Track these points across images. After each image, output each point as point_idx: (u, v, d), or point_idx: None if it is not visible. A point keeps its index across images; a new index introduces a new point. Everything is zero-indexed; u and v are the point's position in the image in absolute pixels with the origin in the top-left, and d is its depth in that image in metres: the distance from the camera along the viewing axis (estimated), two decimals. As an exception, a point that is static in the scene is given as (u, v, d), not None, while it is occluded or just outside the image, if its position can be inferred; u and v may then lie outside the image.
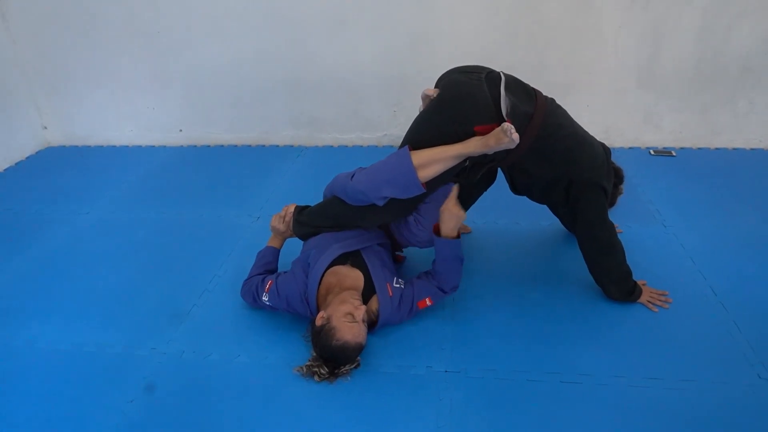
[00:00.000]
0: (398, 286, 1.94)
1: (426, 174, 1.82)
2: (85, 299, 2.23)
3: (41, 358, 1.94)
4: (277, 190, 3.05)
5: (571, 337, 1.90)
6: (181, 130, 3.72)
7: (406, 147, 1.85)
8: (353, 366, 1.77)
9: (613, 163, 2.10)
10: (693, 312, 1.99)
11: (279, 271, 2.11)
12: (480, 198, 2.38)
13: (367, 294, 1.91)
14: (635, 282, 2.02)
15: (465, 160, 1.86)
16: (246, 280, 2.10)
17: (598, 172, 1.96)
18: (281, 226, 2.15)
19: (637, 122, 3.28)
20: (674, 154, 3.23)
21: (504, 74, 1.89)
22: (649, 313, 1.99)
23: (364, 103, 3.47)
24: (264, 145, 3.68)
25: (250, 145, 3.69)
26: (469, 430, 1.59)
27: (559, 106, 2.01)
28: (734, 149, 3.26)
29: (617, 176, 2.19)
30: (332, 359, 1.75)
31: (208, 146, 3.72)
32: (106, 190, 3.16)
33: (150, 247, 2.57)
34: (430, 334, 1.96)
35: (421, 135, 1.89)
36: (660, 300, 2.03)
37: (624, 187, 2.31)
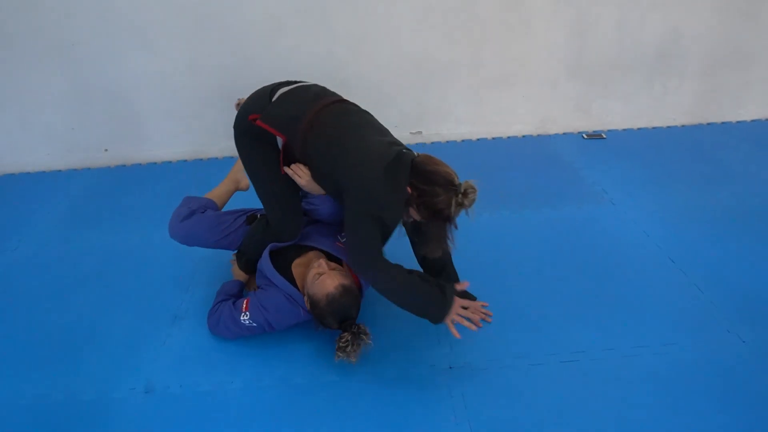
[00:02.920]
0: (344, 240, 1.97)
1: (215, 197, 2.26)
2: (38, 344, 1.99)
3: (4, 415, 1.71)
4: (229, 204, 2.89)
5: (559, 319, 1.98)
6: (106, 150, 3.43)
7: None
8: (362, 330, 1.71)
9: (435, 165, 1.68)
10: (658, 281, 2.15)
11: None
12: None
13: (337, 265, 1.89)
14: (438, 298, 1.70)
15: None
16: (211, 309, 1.99)
17: (370, 201, 1.64)
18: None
19: (569, 110, 3.49)
20: (604, 136, 3.47)
21: (295, 86, 1.86)
22: (624, 287, 2.12)
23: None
24: (202, 159, 3.49)
25: (186, 160, 3.48)
26: (487, 420, 1.61)
27: (343, 114, 1.79)
28: (654, 128, 3.56)
29: (432, 179, 1.63)
30: (340, 318, 1.72)
31: (140, 164, 3.46)
32: (31, 222, 2.84)
33: (101, 277, 2.34)
34: (424, 332, 1.95)
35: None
36: (469, 319, 1.76)
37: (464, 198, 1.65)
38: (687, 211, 2.60)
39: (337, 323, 1.75)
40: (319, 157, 1.74)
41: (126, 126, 3.36)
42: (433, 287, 1.71)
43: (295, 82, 1.91)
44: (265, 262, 1.89)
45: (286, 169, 1.85)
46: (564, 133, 3.54)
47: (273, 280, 1.85)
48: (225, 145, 3.46)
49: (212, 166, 3.39)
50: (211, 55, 3.17)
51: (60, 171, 3.44)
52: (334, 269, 1.77)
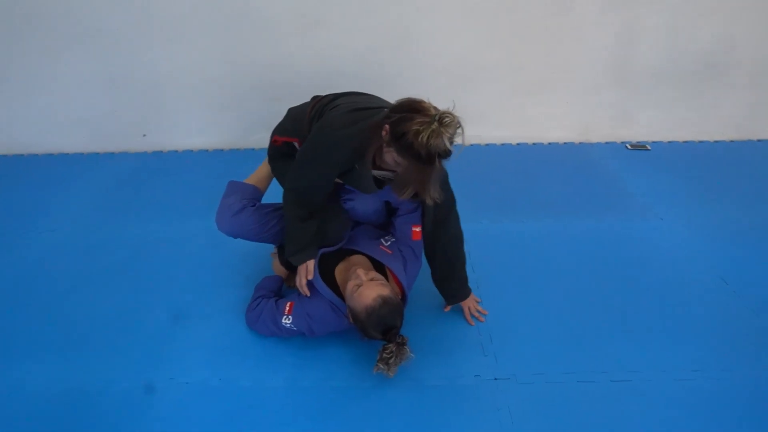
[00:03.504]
0: (391, 241, 1.93)
1: (250, 180, 2.16)
2: (75, 330, 1.98)
3: (34, 403, 1.70)
4: (264, 197, 2.87)
5: (607, 334, 1.92)
6: (144, 135, 3.43)
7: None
8: (405, 339, 1.67)
9: (417, 103, 1.50)
10: (711, 302, 2.07)
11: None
12: (484, 199, 2.36)
13: (381, 270, 1.85)
14: (301, 247, 1.82)
15: None
16: (251, 302, 1.96)
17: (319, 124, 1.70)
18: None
19: (613, 118, 3.40)
20: (649, 147, 3.38)
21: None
22: (675, 307, 2.04)
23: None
24: (238, 149, 3.47)
25: (222, 150, 3.47)
26: (535, 438, 1.56)
27: (338, 96, 1.83)
28: (700, 142, 3.45)
29: (398, 137, 1.46)
30: (382, 330, 1.66)
31: (176, 152, 3.45)
32: (66, 204, 2.84)
33: (137, 265, 2.33)
34: (468, 341, 1.91)
35: None
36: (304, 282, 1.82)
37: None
38: (738, 230, 2.51)
39: (380, 334, 1.68)
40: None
41: (164, 112, 3.35)
42: (308, 234, 1.79)
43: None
44: (311, 269, 1.83)
45: None
46: (606, 142, 3.45)
47: (318, 288, 1.81)
48: (261, 136, 3.41)
49: (248, 156, 3.36)
50: (247, 48, 3.14)
51: (98, 153, 3.45)
52: (372, 279, 1.70)
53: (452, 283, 1.95)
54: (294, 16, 3.06)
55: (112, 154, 3.45)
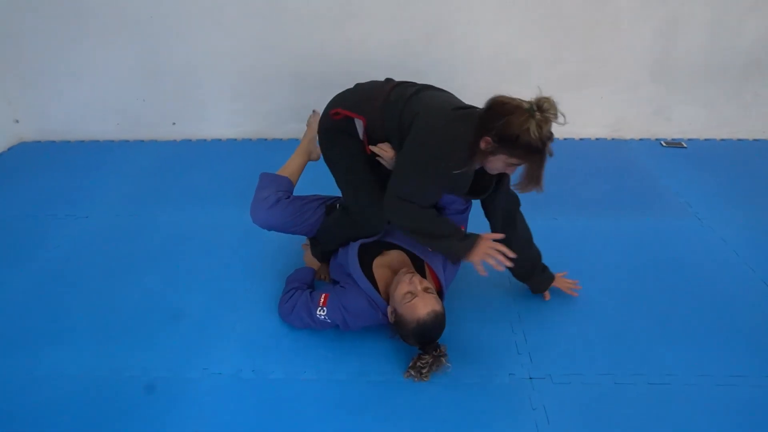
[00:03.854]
0: None
1: (283, 171, 2.15)
2: (110, 317, 2.00)
3: (70, 390, 1.71)
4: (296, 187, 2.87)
5: (645, 335, 1.88)
6: (174, 123, 3.45)
7: None
8: (443, 350, 1.68)
9: (510, 102, 1.50)
10: (752, 306, 2.01)
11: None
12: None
13: (418, 265, 1.84)
14: (454, 232, 1.67)
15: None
16: (284, 294, 1.95)
17: (428, 113, 1.63)
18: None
19: (648, 114, 3.32)
20: (685, 145, 3.29)
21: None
22: (714, 309, 1.99)
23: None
24: (266, 139, 3.47)
25: (250, 139, 3.48)
26: (572, 440, 1.53)
27: (418, 87, 1.77)
28: (738, 140, 3.36)
29: (504, 108, 1.47)
30: (424, 341, 1.67)
31: (205, 140, 3.47)
32: (99, 190, 2.88)
33: (171, 255, 2.34)
34: (502, 339, 1.88)
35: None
36: (498, 258, 1.65)
37: None
38: (781, 233, 2.43)
39: (419, 344, 1.69)
40: (398, 129, 1.69)
41: (194, 102, 3.37)
42: (455, 226, 1.70)
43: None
44: (352, 262, 1.82)
45: (372, 148, 1.80)
46: (640, 139, 3.37)
47: (358, 282, 1.79)
48: (290, 127, 3.44)
49: (276, 147, 3.37)
50: (284, 38, 3.13)
51: (128, 141, 3.48)
52: (426, 289, 1.68)
53: (534, 278, 1.95)
54: (330, 6, 3.03)
55: (142, 141, 3.48)
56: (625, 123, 3.35)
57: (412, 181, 1.63)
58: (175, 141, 3.47)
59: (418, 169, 1.61)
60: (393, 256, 1.85)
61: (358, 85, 1.90)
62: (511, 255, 1.64)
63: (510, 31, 3.07)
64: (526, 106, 1.43)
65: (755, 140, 3.35)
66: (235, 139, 3.47)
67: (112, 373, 1.77)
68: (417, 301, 1.64)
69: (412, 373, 1.67)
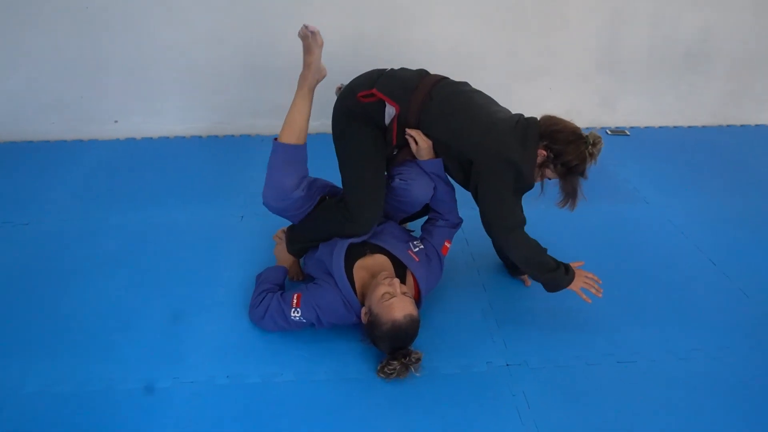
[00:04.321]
0: (419, 248, 1.91)
1: (292, 131, 1.88)
2: (65, 329, 1.87)
3: (30, 408, 1.59)
4: (252, 185, 2.77)
5: (610, 317, 1.96)
6: (116, 121, 3.26)
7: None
8: (418, 356, 1.66)
9: (560, 124, 1.76)
10: (703, 284, 2.15)
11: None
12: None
13: (401, 272, 1.83)
14: (559, 265, 1.82)
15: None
16: (254, 298, 1.87)
17: (491, 146, 1.71)
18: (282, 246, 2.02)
19: (596, 104, 3.46)
20: (628, 133, 3.46)
21: (400, 68, 1.92)
22: (669, 289, 2.10)
23: (329, 89, 3.26)
24: (218, 136, 3.35)
25: (200, 137, 3.34)
26: (553, 422, 1.58)
27: (461, 88, 1.85)
28: (675, 127, 3.56)
29: (558, 140, 1.72)
30: (396, 346, 1.65)
31: (151, 139, 3.30)
32: (38, 195, 2.68)
33: (128, 258, 2.22)
34: (476, 328, 1.91)
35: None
36: (594, 287, 1.83)
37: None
38: (720, 213, 2.60)
39: (389, 350, 1.67)
40: (441, 126, 1.76)
41: (139, 97, 3.20)
42: (555, 260, 1.83)
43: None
44: (337, 262, 1.77)
45: (410, 131, 1.79)
46: (587, 128, 3.49)
47: (338, 283, 1.75)
48: (243, 123, 3.34)
49: (229, 144, 3.26)
50: (237, 29, 3.03)
51: (65, 141, 3.26)
52: (405, 293, 1.67)
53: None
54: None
55: (81, 141, 3.27)
56: (574, 113, 3.46)
57: (510, 208, 1.77)
58: (118, 140, 3.28)
59: (510, 198, 1.77)
60: (377, 260, 1.83)
61: (397, 73, 1.86)
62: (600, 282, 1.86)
63: (467, 24, 3.10)
64: (584, 138, 1.72)
65: (689, 127, 3.56)
66: (184, 137, 3.33)
67: (74, 388, 1.65)
68: (395, 301, 1.63)
69: (381, 376, 1.66)
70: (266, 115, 3.30)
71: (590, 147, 1.70)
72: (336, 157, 1.93)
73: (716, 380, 1.72)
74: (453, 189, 1.95)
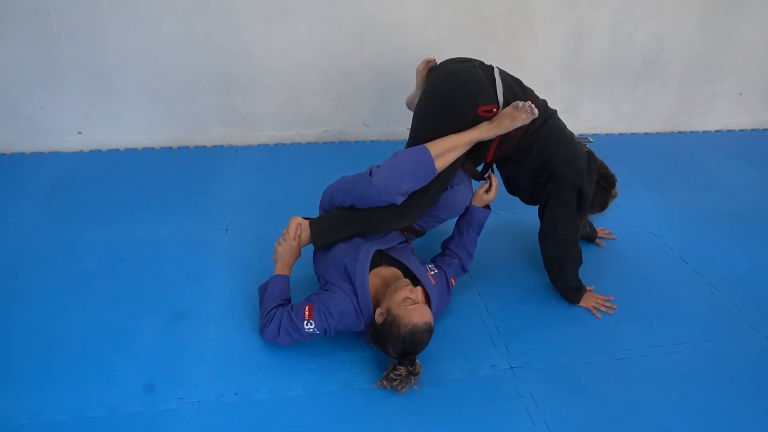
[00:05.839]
0: (434, 272, 1.94)
1: (441, 163, 1.84)
2: (52, 353, 1.76)
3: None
4: (232, 196, 2.73)
5: (595, 318, 2.05)
6: (80, 132, 3.11)
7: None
8: (420, 369, 1.68)
9: (607, 169, 2.14)
10: (676, 281, 2.29)
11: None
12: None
13: None
14: (582, 286, 2.09)
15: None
16: (264, 317, 1.80)
17: (579, 172, 1.95)
18: (293, 244, 1.92)
19: (560, 111, 3.56)
20: (591, 139, 3.63)
21: (495, 66, 2.01)
22: (647, 286, 2.23)
23: (303, 97, 3.26)
24: (188, 146, 3.25)
25: (170, 147, 3.24)
26: (562, 418, 1.64)
27: (541, 99, 2.05)
28: (633, 134, 3.76)
29: (608, 181, 2.12)
30: (406, 350, 1.66)
31: (118, 150, 3.17)
32: (1, 210, 2.52)
33: (111, 275, 2.12)
34: (476, 332, 1.95)
35: (428, 130, 1.89)
36: (605, 306, 2.08)
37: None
38: (683, 213, 2.78)
39: (398, 354, 1.68)
40: (549, 142, 1.95)
41: (103, 107, 3.06)
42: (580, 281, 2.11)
43: (468, 60, 2.03)
44: (362, 268, 1.76)
45: (493, 177, 2.04)
46: (553, 135, 3.65)
47: (358, 288, 1.74)
48: (215, 132, 3.26)
49: (202, 154, 3.18)
50: (209, 35, 2.96)
51: (23, 153, 3.07)
52: (421, 297, 1.70)
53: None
54: (257, 3, 2.91)
55: (41, 153, 3.09)
56: (539, 120, 3.61)
57: (574, 224, 2.00)
58: (82, 152, 3.13)
59: (575, 215, 2.01)
60: (392, 271, 1.84)
61: (474, 76, 1.90)
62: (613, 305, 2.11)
63: (439, 32, 3.17)
64: (611, 191, 2.13)
65: (645, 134, 3.78)
66: (153, 148, 3.21)
67: (70, 416, 1.57)
68: (418, 307, 1.65)
69: (384, 383, 1.66)
70: (236, 124, 3.24)
71: (610, 200, 2.13)
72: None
73: (702, 369, 1.85)
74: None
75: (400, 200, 1.81)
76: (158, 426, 1.56)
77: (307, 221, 1.96)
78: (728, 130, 3.90)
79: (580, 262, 2.07)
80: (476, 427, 1.60)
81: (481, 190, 2.05)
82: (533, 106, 1.81)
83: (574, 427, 1.62)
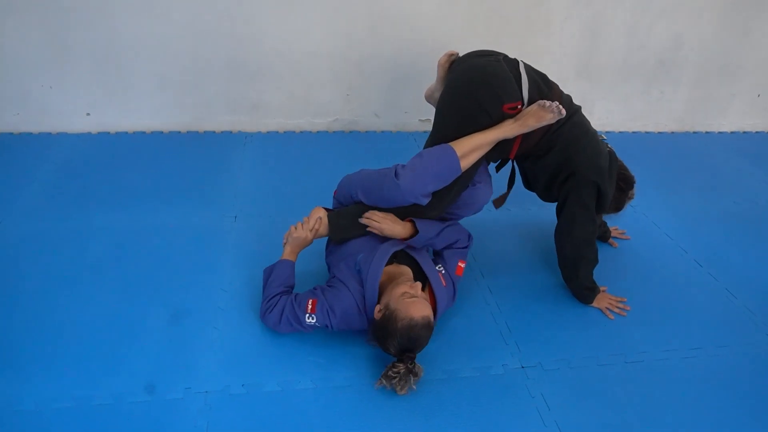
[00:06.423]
0: (442, 272, 1.90)
1: (466, 163, 1.80)
2: (59, 341, 1.74)
3: (38, 424, 1.48)
4: (241, 183, 2.70)
5: (609, 319, 2.02)
6: (88, 114, 3.07)
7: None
8: (420, 369, 1.63)
9: (626, 170, 2.13)
10: (691, 284, 2.25)
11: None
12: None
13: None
14: (596, 287, 2.06)
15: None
16: (266, 303, 1.79)
17: (600, 172, 1.90)
18: (309, 235, 1.89)
19: (574, 109, 3.55)
20: (604, 137, 3.56)
21: (519, 59, 1.94)
22: (662, 289, 2.20)
23: (315, 86, 3.21)
24: (197, 132, 3.22)
25: (179, 132, 3.20)
26: (573, 421, 1.61)
27: (566, 95, 2.00)
28: (646, 133, 3.71)
29: (626, 182, 2.11)
30: (405, 346, 1.61)
31: (126, 133, 3.13)
32: (9, 193, 2.49)
33: (120, 262, 2.09)
34: (488, 330, 1.93)
35: (452, 127, 1.85)
36: (618, 307, 2.05)
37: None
38: (698, 215, 2.74)
39: (397, 351, 1.63)
40: (572, 139, 1.89)
41: (113, 89, 3.03)
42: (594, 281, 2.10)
43: (492, 53, 1.98)
44: (375, 269, 1.73)
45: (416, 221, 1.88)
46: (566, 131, 3.60)
47: (367, 284, 1.71)
48: (224, 119, 3.22)
49: (211, 140, 3.14)
50: (220, 22, 2.91)
51: (31, 134, 3.04)
52: (420, 292, 1.67)
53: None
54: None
55: (49, 134, 3.06)
56: (552, 116, 3.56)
57: (592, 224, 1.97)
58: (90, 133, 3.09)
59: (594, 213, 1.97)
60: (402, 270, 1.81)
61: (498, 72, 1.82)
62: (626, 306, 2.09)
63: (453, 24, 3.11)
64: (629, 193, 2.14)
65: (659, 133, 3.72)
66: (162, 132, 3.18)
67: (76, 403, 1.55)
68: (416, 301, 1.62)
69: (384, 381, 1.62)
70: (246, 111, 3.20)
71: (627, 201, 2.14)
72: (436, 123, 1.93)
73: (717, 375, 1.82)
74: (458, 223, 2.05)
75: (425, 201, 1.78)
76: (165, 415, 1.54)
77: (326, 216, 1.93)
78: (744, 132, 3.84)
79: (595, 262, 2.04)
80: (487, 427, 1.58)
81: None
82: (560, 106, 1.75)
83: (584, 430, 1.59)
